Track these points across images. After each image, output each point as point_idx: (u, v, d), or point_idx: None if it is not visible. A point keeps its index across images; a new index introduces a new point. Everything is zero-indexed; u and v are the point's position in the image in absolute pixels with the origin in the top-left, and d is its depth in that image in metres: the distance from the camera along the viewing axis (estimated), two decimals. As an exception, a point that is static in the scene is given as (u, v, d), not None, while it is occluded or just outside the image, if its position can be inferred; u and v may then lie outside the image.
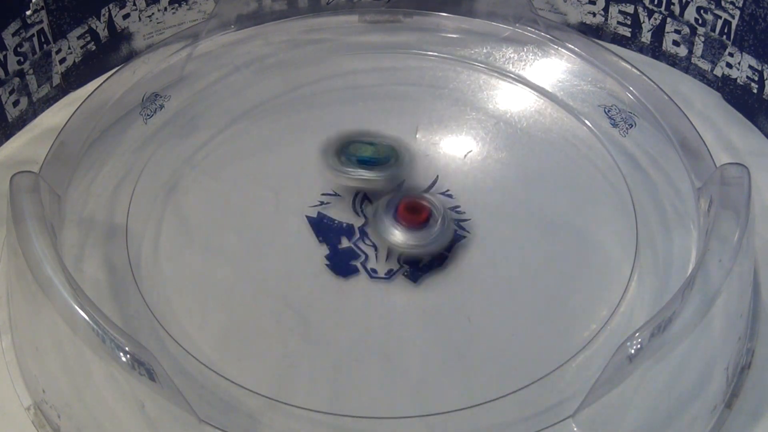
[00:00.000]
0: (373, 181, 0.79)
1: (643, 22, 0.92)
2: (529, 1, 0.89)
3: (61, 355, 0.68)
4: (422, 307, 0.74)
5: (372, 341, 0.72)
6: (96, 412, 0.67)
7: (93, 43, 0.90)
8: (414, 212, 0.76)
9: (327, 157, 0.79)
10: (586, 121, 0.85)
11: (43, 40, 0.86)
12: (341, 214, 0.80)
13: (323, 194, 0.81)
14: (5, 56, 0.83)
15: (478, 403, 0.67)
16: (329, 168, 0.79)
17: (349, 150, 0.79)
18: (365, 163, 0.79)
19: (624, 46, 0.94)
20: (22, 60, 0.85)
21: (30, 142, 0.87)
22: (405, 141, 0.81)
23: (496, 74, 0.89)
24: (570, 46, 0.87)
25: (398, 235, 0.75)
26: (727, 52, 0.87)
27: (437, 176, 0.82)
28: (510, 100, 0.87)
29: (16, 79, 0.85)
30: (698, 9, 0.87)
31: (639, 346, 0.62)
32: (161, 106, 0.86)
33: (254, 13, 0.91)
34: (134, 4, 0.91)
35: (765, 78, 0.85)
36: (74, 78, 0.91)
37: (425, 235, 0.76)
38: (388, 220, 0.76)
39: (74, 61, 0.90)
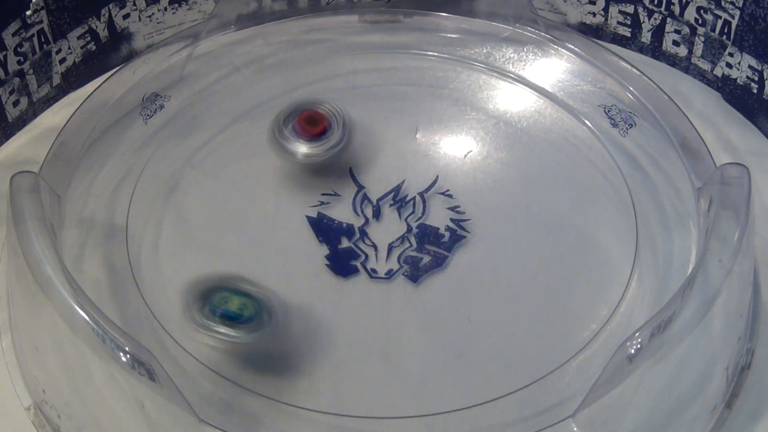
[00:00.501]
0: (236, 342, 0.68)
1: (643, 22, 0.92)
2: (529, 1, 0.89)
3: (61, 355, 0.68)
4: (422, 307, 0.74)
5: (372, 341, 0.72)
6: (96, 412, 0.67)
7: (93, 43, 0.90)
8: (313, 124, 0.77)
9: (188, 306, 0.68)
10: (586, 121, 0.85)
11: (43, 40, 0.86)
12: (341, 214, 0.80)
13: (323, 194, 0.81)
14: (5, 56, 0.83)
15: (478, 403, 0.67)
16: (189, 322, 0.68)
17: (214, 300, 0.68)
18: (230, 318, 0.68)
19: (624, 46, 0.94)
20: (22, 60, 0.85)
21: (30, 142, 0.87)
22: (278, 297, 0.71)
23: (496, 74, 0.89)
24: (570, 46, 0.87)
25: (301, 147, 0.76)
26: (727, 52, 0.87)
27: (437, 176, 0.82)
28: (510, 100, 0.87)
29: (16, 79, 0.85)
30: (698, 9, 0.87)
31: (639, 346, 0.62)
32: (161, 106, 0.86)
33: (254, 13, 0.91)
34: (134, 4, 0.91)
35: (765, 78, 0.85)
36: (74, 78, 0.91)
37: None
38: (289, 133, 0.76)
39: (74, 61, 0.90)
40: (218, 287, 0.69)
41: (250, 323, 0.68)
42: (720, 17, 0.86)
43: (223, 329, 0.67)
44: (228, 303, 0.68)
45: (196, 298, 0.68)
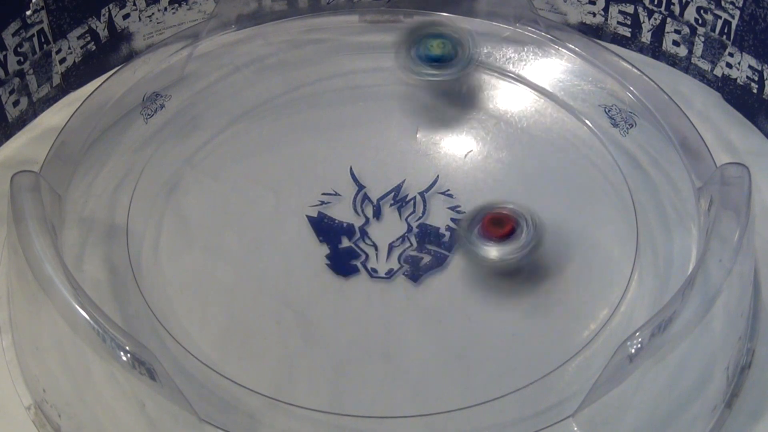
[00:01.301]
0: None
1: (643, 22, 0.92)
2: (530, 1, 0.89)
3: (62, 355, 0.68)
4: (422, 306, 0.74)
5: (372, 341, 0.72)
6: (96, 411, 0.67)
7: (93, 43, 0.90)
8: (499, 225, 0.74)
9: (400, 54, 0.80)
10: (587, 121, 0.85)
11: (43, 40, 0.86)
12: (342, 213, 0.80)
13: (323, 194, 0.81)
14: (5, 56, 0.83)
15: (478, 402, 0.68)
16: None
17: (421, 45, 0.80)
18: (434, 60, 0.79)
19: (624, 46, 0.94)
20: (22, 60, 0.85)
21: (30, 142, 0.87)
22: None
23: (496, 74, 0.89)
24: (570, 45, 0.87)
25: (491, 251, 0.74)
26: (727, 52, 0.87)
27: (437, 176, 0.82)
28: (510, 99, 0.87)
29: (16, 79, 0.85)
30: (698, 9, 0.87)
31: (639, 345, 0.62)
32: (162, 106, 0.86)
33: (254, 13, 0.91)
34: (134, 4, 0.91)
35: (765, 78, 0.85)
36: (74, 78, 0.91)
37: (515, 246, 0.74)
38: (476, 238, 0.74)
39: (74, 61, 0.90)
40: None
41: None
42: (720, 17, 0.86)
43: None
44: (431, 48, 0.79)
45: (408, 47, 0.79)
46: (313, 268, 0.76)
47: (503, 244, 0.74)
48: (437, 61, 0.81)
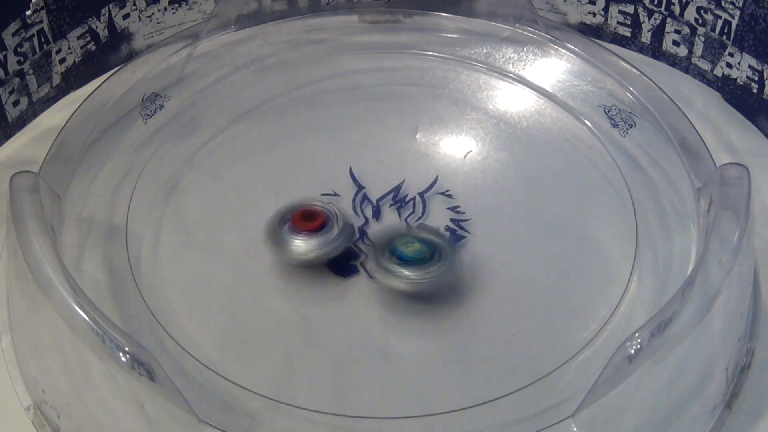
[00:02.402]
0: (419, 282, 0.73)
1: (643, 22, 0.92)
2: (529, 1, 0.89)
3: (61, 355, 0.68)
4: (422, 307, 0.74)
5: (371, 341, 0.72)
6: (95, 412, 0.67)
7: (93, 43, 0.91)
8: (309, 219, 0.74)
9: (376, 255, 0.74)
10: (586, 122, 0.85)
11: (43, 40, 0.86)
12: (341, 214, 0.80)
13: (323, 194, 0.81)
14: (5, 56, 0.83)
15: (477, 403, 0.67)
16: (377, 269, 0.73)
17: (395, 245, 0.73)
18: (408, 262, 0.73)
19: (624, 46, 0.94)
20: (22, 60, 0.85)
21: (30, 142, 0.87)
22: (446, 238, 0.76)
23: (496, 74, 0.89)
24: (570, 46, 0.87)
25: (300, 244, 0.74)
26: (727, 52, 0.87)
27: (437, 176, 0.82)
28: (510, 100, 0.87)
29: (16, 79, 0.85)
30: (698, 9, 0.87)
31: (639, 346, 0.62)
32: (161, 106, 0.86)
33: (254, 13, 0.91)
34: (134, 4, 0.91)
35: (765, 78, 0.85)
36: (74, 78, 0.91)
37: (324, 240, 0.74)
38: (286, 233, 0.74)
39: (74, 61, 0.90)
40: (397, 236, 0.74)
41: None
42: (720, 17, 0.86)
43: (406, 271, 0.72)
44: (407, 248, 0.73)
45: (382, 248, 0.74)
46: (312, 268, 0.76)
47: (312, 237, 0.74)
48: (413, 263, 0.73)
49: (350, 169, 0.82)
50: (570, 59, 0.87)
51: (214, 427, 0.65)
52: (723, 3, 0.85)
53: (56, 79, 0.89)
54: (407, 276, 0.72)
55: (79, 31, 0.89)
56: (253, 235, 0.78)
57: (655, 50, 0.93)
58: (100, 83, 0.82)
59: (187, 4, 0.94)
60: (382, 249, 0.73)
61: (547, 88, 0.87)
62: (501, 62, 0.90)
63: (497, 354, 0.72)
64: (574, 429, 0.65)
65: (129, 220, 0.79)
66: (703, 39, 0.89)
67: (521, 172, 0.83)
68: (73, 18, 0.88)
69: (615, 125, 0.84)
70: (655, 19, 0.91)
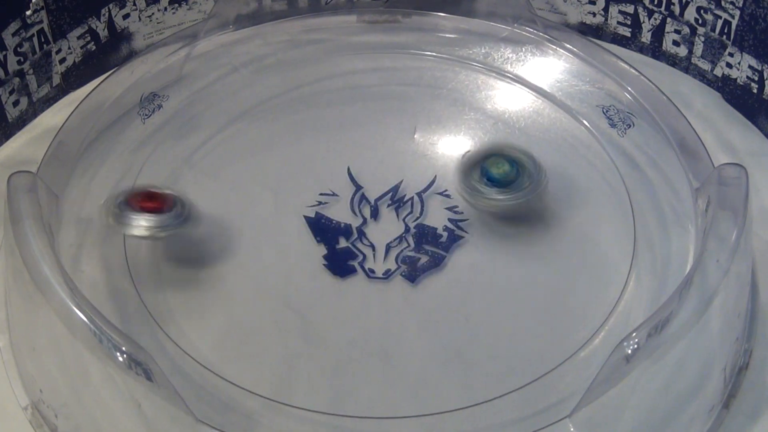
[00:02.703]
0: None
1: (643, 22, 0.92)
2: (528, 1, 0.89)
3: (59, 355, 0.68)
4: (420, 307, 0.74)
5: (370, 341, 0.72)
6: (93, 412, 0.67)
7: (93, 43, 0.91)
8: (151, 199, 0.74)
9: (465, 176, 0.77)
10: (584, 122, 0.85)
11: (43, 40, 0.86)
12: (339, 214, 0.79)
13: (321, 194, 0.81)
14: (5, 56, 0.83)
15: (475, 403, 0.68)
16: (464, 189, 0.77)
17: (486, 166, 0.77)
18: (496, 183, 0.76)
19: (624, 46, 0.94)
20: (22, 60, 0.85)
21: (30, 142, 0.87)
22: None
23: (494, 74, 0.89)
24: (568, 46, 0.87)
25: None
26: (727, 52, 0.87)
27: (435, 176, 0.82)
28: (508, 100, 0.87)
29: (16, 79, 0.85)
30: (698, 9, 0.87)
31: (636, 346, 0.62)
32: (159, 106, 0.86)
33: (253, 13, 0.91)
34: (134, 4, 0.91)
35: (765, 78, 0.85)
36: (74, 78, 0.91)
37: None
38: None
39: (74, 61, 0.90)
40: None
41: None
42: (720, 17, 0.86)
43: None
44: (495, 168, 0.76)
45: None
46: (311, 268, 0.76)
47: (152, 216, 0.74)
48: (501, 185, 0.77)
49: (348, 168, 0.82)
50: (568, 59, 0.87)
51: (212, 427, 0.65)
52: (723, 3, 0.85)
53: (56, 79, 0.89)
54: (496, 198, 0.76)
55: (79, 31, 0.89)
56: (251, 235, 0.79)
57: (655, 50, 0.93)
58: (98, 83, 0.82)
59: (187, 4, 0.94)
60: (471, 169, 0.76)
61: (546, 88, 0.87)
62: (499, 62, 0.90)
63: (495, 354, 0.72)
64: (572, 429, 0.65)
65: (127, 220, 0.79)
66: (703, 39, 0.88)
67: (520, 172, 0.83)
68: (73, 18, 0.88)
69: (613, 125, 0.84)
70: (655, 19, 0.91)
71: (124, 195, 0.74)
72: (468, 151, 0.81)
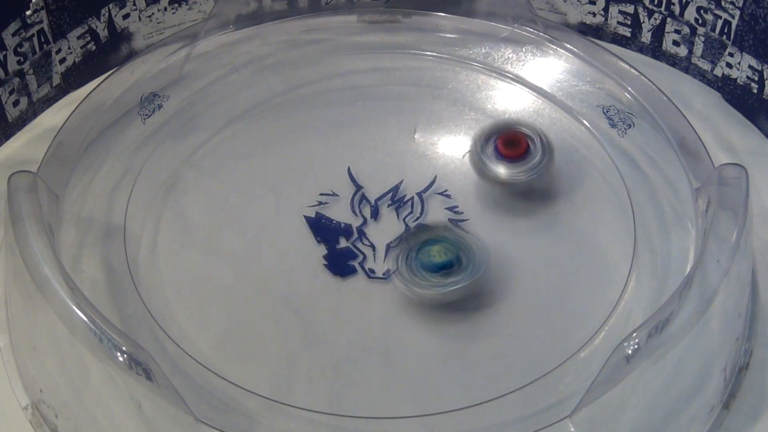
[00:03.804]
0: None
1: (643, 22, 0.92)
2: (528, 1, 0.89)
3: (59, 355, 0.68)
4: (420, 307, 0.74)
5: (370, 341, 0.72)
6: (93, 411, 0.67)
7: (93, 43, 0.91)
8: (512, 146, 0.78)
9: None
10: (585, 122, 0.85)
11: (43, 40, 0.86)
12: (339, 214, 0.80)
13: (321, 194, 0.81)
14: (5, 56, 0.83)
15: (476, 403, 0.68)
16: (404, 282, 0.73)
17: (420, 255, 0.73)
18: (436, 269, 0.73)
19: (624, 46, 0.94)
20: (22, 60, 0.85)
21: (30, 142, 0.87)
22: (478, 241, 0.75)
23: (494, 74, 0.89)
24: (568, 46, 0.87)
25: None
26: (727, 52, 0.87)
27: (435, 176, 0.82)
28: (508, 100, 0.87)
29: (16, 79, 0.85)
30: (698, 9, 0.87)
31: (636, 346, 0.62)
32: (159, 106, 0.86)
33: (253, 13, 0.91)
34: (134, 4, 0.91)
35: (765, 78, 0.85)
36: (74, 78, 0.91)
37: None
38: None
39: (74, 61, 0.90)
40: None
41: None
42: (720, 17, 0.86)
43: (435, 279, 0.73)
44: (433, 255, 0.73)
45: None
46: (311, 268, 0.76)
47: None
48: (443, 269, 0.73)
49: (348, 168, 0.82)
50: (568, 59, 0.87)
51: (212, 427, 0.65)
52: (723, 3, 0.85)
53: (56, 79, 0.89)
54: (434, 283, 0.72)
55: (79, 31, 0.89)
56: (251, 235, 0.79)
57: (655, 50, 0.93)
58: (98, 83, 0.82)
59: (187, 4, 0.94)
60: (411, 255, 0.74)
61: (546, 88, 0.87)
62: (500, 62, 0.90)
63: (496, 354, 0.72)
64: (572, 429, 0.66)
65: (127, 220, 0.79)
66: (703, 39, 0.88)
67: (520, 172, 0.83)
68: (73, 18, 0.88)
69: (613, 125, 0.84)
70: (655, 19, 0.91)
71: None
72: (468, 151, 0.81)
